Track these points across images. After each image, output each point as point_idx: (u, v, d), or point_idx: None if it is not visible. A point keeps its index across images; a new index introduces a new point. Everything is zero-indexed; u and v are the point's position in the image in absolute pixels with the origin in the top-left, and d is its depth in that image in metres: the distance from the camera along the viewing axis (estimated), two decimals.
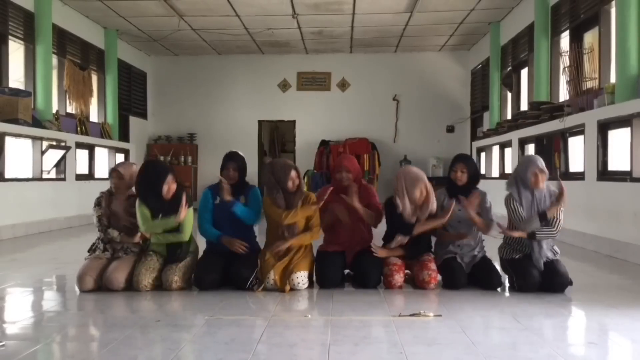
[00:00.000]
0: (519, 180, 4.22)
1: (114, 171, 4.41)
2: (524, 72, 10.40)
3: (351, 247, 4.44)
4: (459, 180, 4.37)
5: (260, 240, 4.52)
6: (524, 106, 10.17)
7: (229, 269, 4.23)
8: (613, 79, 6.66)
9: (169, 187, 4.16)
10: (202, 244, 4.54)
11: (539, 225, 4.09)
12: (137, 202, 4.19)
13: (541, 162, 4.20)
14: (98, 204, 4.37)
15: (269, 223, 4.43)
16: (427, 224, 4.29)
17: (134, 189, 4.32)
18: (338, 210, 4.40)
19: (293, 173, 4.28)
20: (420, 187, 4.23)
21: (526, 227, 4.11)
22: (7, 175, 7.81)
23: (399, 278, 4.22)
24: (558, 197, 4.10)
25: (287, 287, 4.13)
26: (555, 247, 4.25)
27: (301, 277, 4.17)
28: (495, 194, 5.00)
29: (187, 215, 4.16)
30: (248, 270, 4.16)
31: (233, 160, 4.42)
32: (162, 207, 4.15)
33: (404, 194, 4.24)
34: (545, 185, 4.20)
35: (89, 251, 4.37)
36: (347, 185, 4.40)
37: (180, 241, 4.22)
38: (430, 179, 4.47)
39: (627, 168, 5.90)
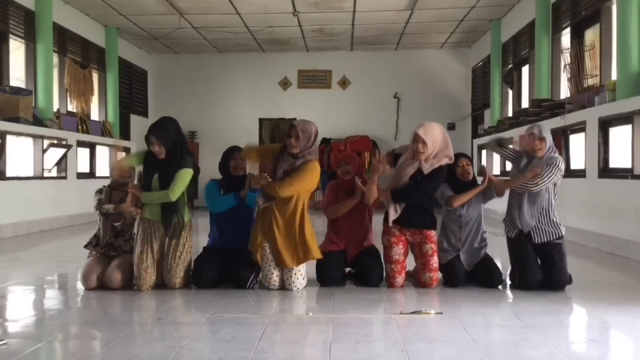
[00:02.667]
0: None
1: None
2: (525, 70, 10.39)
3: (352, 242, 4.40)
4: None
5: None
6: (525, 103, 10.17)
7: (227, 267, 4.23)
8: (614, 76, 6.64)
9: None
10: (202, 242, 4.53)
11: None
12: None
13: (538, 129, 4.14)
14: (100, 191, 4.49)
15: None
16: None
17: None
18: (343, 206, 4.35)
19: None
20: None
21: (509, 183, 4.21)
22: (8, 174, 7.82)
23: (400, 280, 4.24)
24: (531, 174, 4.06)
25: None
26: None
27: (300, 276, 4.15)
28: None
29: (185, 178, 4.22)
30: (248, 270, 4.16)
31: (238, 150, 4.46)
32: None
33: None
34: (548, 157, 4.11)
35: (86, 246, 4.37)
36: (349, 180, 4.35)
37: (168, 201, 4.13)
38: None
39: (629, 165, 5.90)
